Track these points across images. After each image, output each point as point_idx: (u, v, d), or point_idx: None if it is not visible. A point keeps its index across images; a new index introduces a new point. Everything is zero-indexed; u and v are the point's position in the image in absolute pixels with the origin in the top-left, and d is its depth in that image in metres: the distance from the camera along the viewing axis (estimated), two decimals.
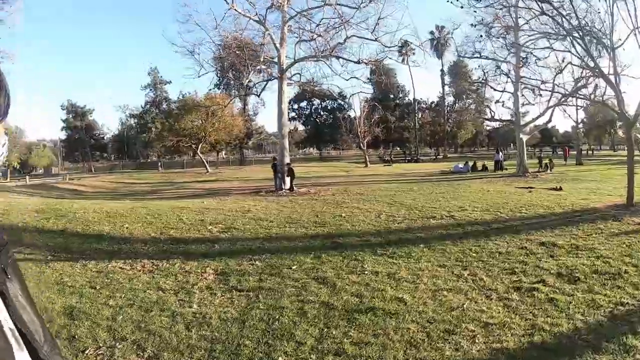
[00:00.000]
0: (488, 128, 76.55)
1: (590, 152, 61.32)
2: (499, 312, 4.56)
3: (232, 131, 43.45)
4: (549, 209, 11.44)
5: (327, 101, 65.77)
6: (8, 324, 0.93)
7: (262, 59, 18.98)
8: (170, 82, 65.93)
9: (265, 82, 23.37)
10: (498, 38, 21.71)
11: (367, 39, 19.08)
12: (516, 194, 14.82)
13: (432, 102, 74.68)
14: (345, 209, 12.53)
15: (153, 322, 4.61)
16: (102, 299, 5.36)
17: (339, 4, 18.86)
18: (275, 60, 20.04)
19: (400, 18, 62.10)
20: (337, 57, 19.88)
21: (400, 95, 72.76)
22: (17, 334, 0.94)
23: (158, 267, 6.87)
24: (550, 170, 26.95)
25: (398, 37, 19.56)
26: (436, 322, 4.34)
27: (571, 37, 12.61)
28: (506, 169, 29.47)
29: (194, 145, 42.51)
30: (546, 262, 6.36)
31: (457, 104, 65.67)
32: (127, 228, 9.89)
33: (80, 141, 73.40)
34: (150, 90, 67.93)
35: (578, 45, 12.64)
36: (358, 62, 19.49)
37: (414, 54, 62.82)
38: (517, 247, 7.36)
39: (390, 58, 28.32)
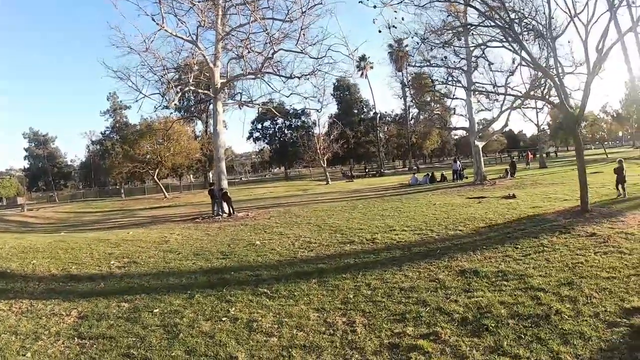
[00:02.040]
0: (455, 137, 78.43)
1: (555, 154, 63.40)
2: None
3: (189, 154, 43.33)
4: (491, 221, 10.85)
5: (292, 120, 66.23)
6: None
7: (190, 80, 18.21)
8: (130, 107, 66.09)
9: (199, 105, 22.84)
10: (445, 45, 20.60)
11: (293, 51, 18.61)
12: (463, 206, 14.29)
13: (396, 115, 76.27)
14: (267, 234, 12.51)
15: None
16: None
17: (272, 18, 18.65)
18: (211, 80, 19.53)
19: (325, 27, 61.39)
20: (269, 73, 19.42)
21: (365, 110, 74.00)
22: None
23: (33, 309, 6.80)
24: (512, 176, 27.05)
25: (325, 48, 18.34)
26: None
27: (506, 30, 12.11)
28: (467, 177, 29.37)
29: (151, 171, 42.09)
30: (455, 301, 5.33)
31: (421, 115, 66.92)
32: (33, 264, 9.82)
33: (43, 170, 72.23)
34: (110, 115, 67.67)
35: (513, 40, 12.27)
36: (290, 77, 19.04)
37: (372, 68, 64.63)
38: (428, 278, 6.33)
39: (343, 73, 27.98)
